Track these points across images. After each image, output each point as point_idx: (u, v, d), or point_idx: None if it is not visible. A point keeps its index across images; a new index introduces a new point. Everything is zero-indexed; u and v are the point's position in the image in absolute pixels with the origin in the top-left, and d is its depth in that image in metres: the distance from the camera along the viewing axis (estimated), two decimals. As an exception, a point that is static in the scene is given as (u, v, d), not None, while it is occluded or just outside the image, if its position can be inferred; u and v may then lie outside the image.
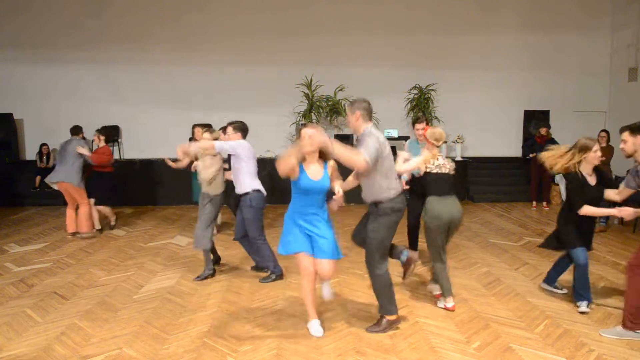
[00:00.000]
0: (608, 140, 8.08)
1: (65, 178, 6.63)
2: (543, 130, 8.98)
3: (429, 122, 6.10)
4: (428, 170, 4.15)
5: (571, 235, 4.09)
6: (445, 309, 4.18)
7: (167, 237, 6.99)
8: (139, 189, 9.65)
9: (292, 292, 4.64)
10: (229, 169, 5.35)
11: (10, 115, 10.34)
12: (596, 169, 4.07)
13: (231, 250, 6.09)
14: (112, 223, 7.50)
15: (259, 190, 4.81)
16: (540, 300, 4.41)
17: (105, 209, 7.25)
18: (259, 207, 4.81)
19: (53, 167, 10.06)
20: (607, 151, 7.69)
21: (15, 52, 10.47)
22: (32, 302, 4.47)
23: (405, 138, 10.42)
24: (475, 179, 10.19)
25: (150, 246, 6.53)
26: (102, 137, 7.12)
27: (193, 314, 4.14)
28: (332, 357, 3.37)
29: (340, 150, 3.32)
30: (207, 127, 5.49)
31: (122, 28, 10.48)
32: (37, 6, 10.41)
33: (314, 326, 3.73)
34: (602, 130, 8.28)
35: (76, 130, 7.18)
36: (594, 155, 3.94)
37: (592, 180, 4.01)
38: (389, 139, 10.24)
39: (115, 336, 3.73)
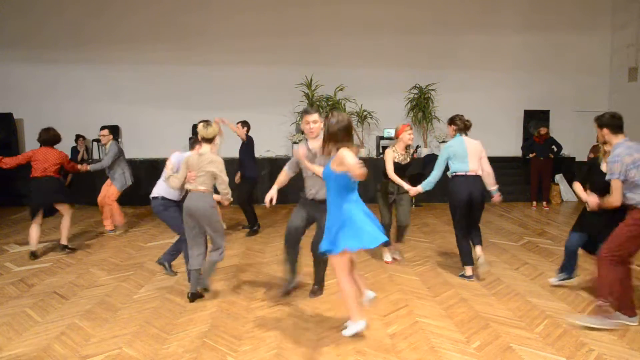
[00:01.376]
0: None
1: None
2: (542, 130, 8.99)
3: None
4: None
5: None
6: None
7: (167, 237, 6.98)
8: (139, 189, 9.61)
9: (292, 292, 4.64)
10: None
11: (10, 115, 10.34)
12: None
13: (230, 251, 6.09)
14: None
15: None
16: (540, 300, 4.41)
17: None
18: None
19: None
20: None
21: (16, 52, 10.47)
22: (32, 302, 4.47)
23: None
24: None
25: (150, 246, 6.53)
26: None
27: (193, 314, 4.14)
28: (332, 357, 3.37)
29: None
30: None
31: (122, 28, 10.49)
32: (38, 6, 10.41)
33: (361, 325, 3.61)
34: (602, 130, 8.27)
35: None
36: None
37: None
38: (389, 138, 10.31)
39: (115, 336, 3.73)
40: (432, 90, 10.52)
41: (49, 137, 6.03)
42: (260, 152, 9.45)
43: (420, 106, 10.46)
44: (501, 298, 4.47)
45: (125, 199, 9.39)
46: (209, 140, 4.25)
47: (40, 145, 6.01)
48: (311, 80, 10.26)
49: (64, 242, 6.24)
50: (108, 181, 7.22)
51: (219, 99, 10.46)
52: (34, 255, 5.91)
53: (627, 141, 3.79)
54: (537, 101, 10.92)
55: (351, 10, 10.60)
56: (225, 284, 4.89)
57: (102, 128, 7.16)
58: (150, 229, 7.57)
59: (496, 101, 11.03)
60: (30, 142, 10.67)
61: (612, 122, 3.86)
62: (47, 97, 10.54)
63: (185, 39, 10.54)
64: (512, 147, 10.97)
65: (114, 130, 10.55)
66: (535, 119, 10.27)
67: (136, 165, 9.73)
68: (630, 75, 10.37)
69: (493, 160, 10.85)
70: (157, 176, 4.97)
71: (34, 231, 5.95)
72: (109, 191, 7.16)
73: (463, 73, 10.83)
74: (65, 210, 6.16)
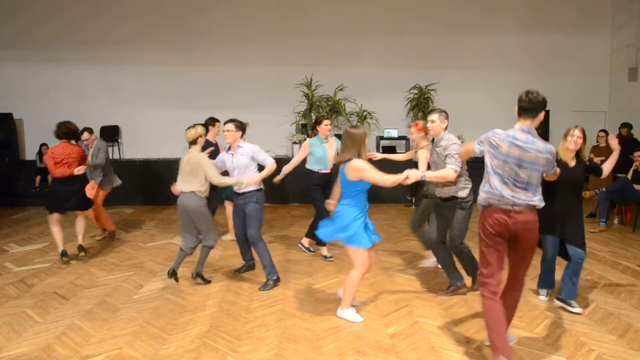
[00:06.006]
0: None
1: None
2: (624, 131, 8.50)
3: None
4: None
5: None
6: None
7: (167, 237, 6.99)
8: (139, 189, 9.65)
9: (292, 291, 4.64)
10: None
11: (10, 115, 10.34)
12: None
13: (230, 251, 6.09)
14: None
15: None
16: (541, 300, 4.40)
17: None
18: (263, 204, 4.77)
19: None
20: (606, 151, 7.67)
21: (16, 52, 10.47)
22: (32, 302, 4.47)
23: (405, 138, 10.45)
24: (475, 179, 10.15)
25: (150, 246, 6.53)
26: None
27: (193, 314, 4.14)
28: (332, 357, 3.37)
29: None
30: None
31: (123, 28, 10.48)
32: (38, 6, 10.40)
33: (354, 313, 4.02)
34: (601, 130, 8.27)
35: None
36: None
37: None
38: (389, 138, 10.32)
39: (115, 336, 3.73)
40: (432, 90, 10.52)
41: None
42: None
43: (420, 106, 10.46)
44: (501, 298, 4.46)
45: (125, 199, 9.45)
46: (193, 143, 4.63)
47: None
48: (311, 80, 10.26)
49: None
50: (91, 184, 6.47)
51: (219, 99, 10.46)
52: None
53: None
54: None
55: (351, 10, 10.59)
56: (225, 284, 4.89)
57: (82, 131, 6.43)
58: (150, 229, 7.57)
59: (496, 101, 11.01)
60: (30, 142, 10.68)
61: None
62: (47, 97, 10.53)
63: (185, 39, 10.54)
64: (512, 147, 10.95)
65: (114, 130, 10.59)
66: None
67: (135, 166, 9.74)
68: (630, 75, 10.38)
69: (493, 160, 10.86)
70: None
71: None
72: (95, 194, 6.45)
73: (463, 73, 10.83)
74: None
